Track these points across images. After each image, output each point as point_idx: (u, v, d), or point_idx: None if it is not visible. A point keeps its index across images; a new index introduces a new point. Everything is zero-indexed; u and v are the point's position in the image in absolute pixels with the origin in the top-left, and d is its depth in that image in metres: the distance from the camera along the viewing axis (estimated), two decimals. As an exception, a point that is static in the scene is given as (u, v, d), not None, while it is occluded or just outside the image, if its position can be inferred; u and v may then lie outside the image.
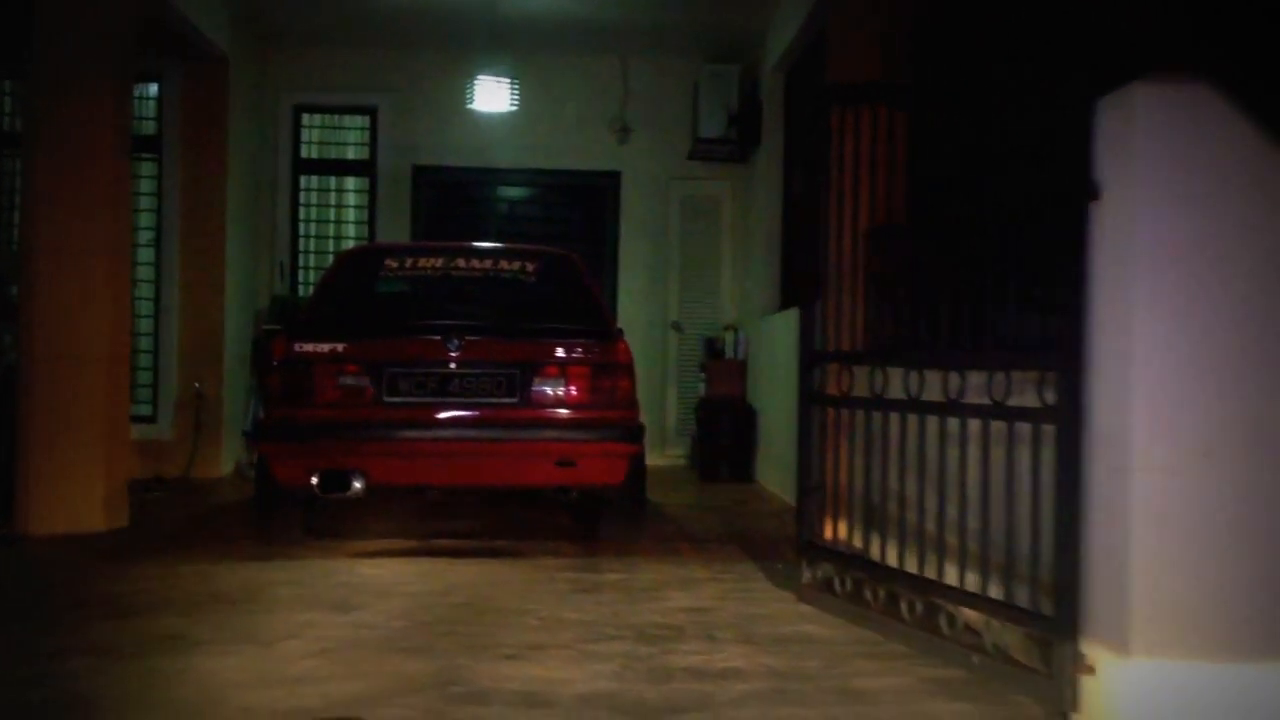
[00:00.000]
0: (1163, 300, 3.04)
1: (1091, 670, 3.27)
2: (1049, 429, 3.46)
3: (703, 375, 10.37)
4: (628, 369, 6.08)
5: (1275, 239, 3.02)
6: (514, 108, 9.93)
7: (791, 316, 7.28)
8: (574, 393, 5.95)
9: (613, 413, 5.98)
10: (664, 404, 11.00)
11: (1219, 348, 3.02)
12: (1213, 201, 3.02)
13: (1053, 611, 3.43)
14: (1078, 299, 3.30)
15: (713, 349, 10.53)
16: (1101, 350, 3.24)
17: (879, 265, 5.05)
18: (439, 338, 6.01)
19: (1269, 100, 2.99)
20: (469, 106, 9.91)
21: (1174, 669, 3.06)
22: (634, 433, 6.05)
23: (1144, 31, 3.33)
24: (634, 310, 10.83)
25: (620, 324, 9.51)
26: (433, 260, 6.97)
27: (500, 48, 9.68)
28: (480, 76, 9.62)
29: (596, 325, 6.31)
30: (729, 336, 10.53)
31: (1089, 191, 3.25)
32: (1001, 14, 4.79)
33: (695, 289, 11.12)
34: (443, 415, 5.93)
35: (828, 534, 5.12)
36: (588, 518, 6.86)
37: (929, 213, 5.30)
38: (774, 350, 8.86)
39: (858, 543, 4.89)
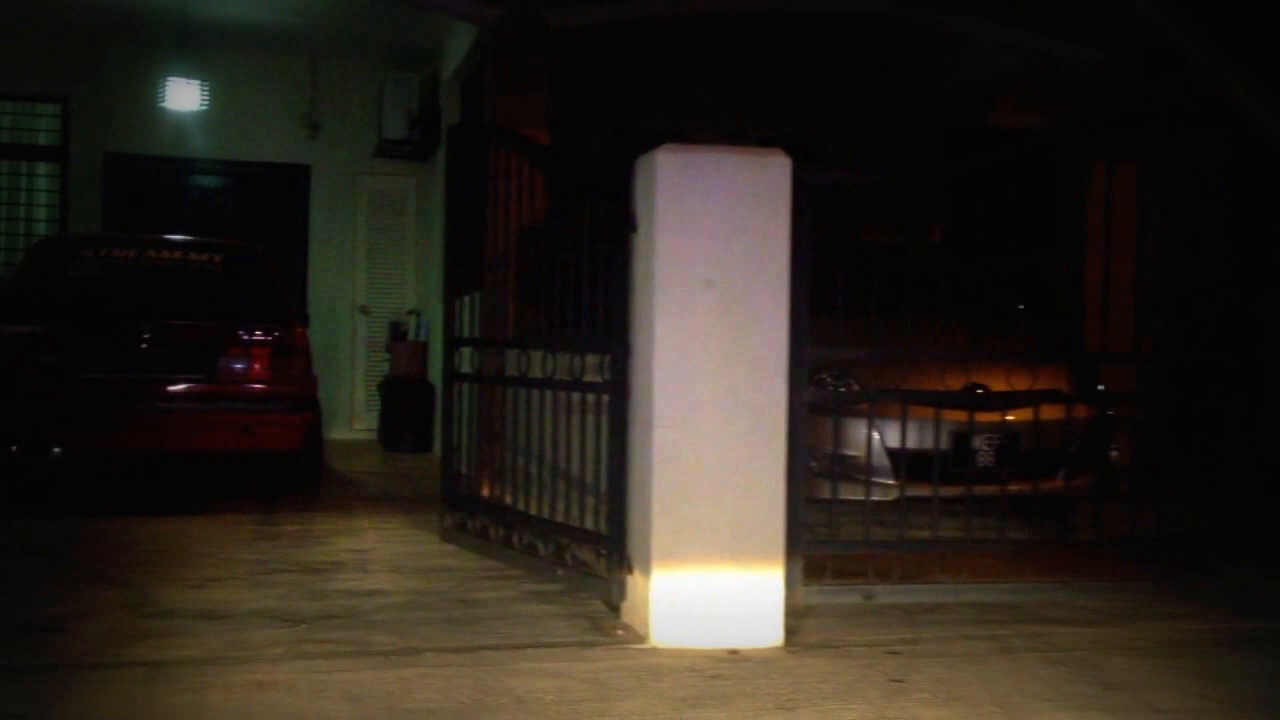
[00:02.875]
0: (670, 303, 4.26)
1: (630, 570, 4.51)
2: (607, 398, 4.68)
3: (388, 356, 11.35)
4: (303, 350, 7.07)
5: (735, 257, 4.29)
6: (204, 107, 10.60)
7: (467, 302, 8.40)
8: (255, 369, 6.88)
9: (289, 388, 6.95)
10: (352, 382, 11.91)
11: (706, 339, 4.27)
12: (699, 233, 4.25)
13: (607, 531, 4.66)
14: (622, 302, 4.53)
15: (397, 331, 11.52)
16: (637, 340, 4.47)
17: (523, 267, 6.22)
18: (134, 319, 6.82)
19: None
20: (161, 105, 10.51)
21: (680, 565, 4.31)
22: (308, 404, 7.06)
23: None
24: (324, 294, 11.67)
25: (311, 307, 10.42)
26: (127, 250, 7.73)
27: (191, 48, 10.33)
28: (171, 77, 10.26)
29: (276, 311, 7.27)
30: (412, 320, 11.55)
31: (629, 225, 4.48)
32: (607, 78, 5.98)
33: (382, 276, 12.06)
34: (137, 389, 6.75)
35: (485, 489, 6.23)
36: (271, 480, 7.73)
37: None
38: (448, 333, 9.93)
39: (493, 492, 6.04)
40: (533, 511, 5.39)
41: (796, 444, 4.45)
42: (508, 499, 5.75)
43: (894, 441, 5.73)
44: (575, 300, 4.97)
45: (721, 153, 4.33)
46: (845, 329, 4.75)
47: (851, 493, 5.32)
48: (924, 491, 5.14)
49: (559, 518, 5.17)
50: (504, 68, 7.79)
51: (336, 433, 10.94)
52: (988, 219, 8.23)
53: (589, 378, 4.87)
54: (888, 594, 4.76)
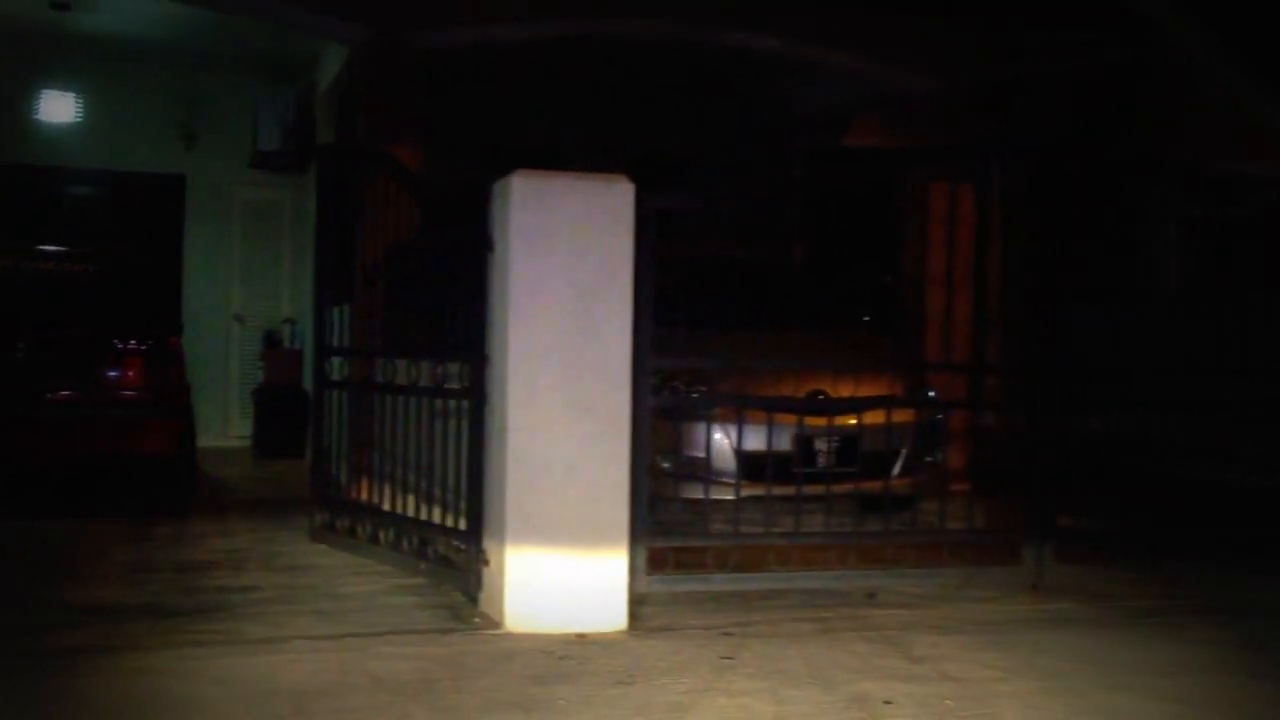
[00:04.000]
0: (523, 317, 4.64)
1: (487, 563, 4.88)
2: (466, 404, 5.05)
3: (262, 364, 11.52)
4: (177, 358, 7.30)
5: (583, 275, 4.68)
6: (79, 118, 10.68)
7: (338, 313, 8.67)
8: (129, 377, 7.09)
9: (163, 395, 7.17)
10: (227, 390, 12.01)
11: (557, 348, 4.66)
12: (550, 252, 4.65)
13: (466, 527, 5.02)
14: (480, 315, 4.90)
15: (272, 340, 11.69)
16: (493, 350, 4.84)
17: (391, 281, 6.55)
18: (9, 329, 6.99)
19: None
20: (35, 116, 10.57)
21: (533, 557, 4.69)
22: (183, 411, 7.29)
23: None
24: (199, 303, 11.74)
25: (186, 316, 10.52)
26: (1, 260, 7.84)
27: (66, 60, 10.41)
28: (45, 89, 10.34)
29: (151, 319, 7.48)
30: (287, 329, 11.73)
31: (486, 244, 4.85)
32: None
33: (257, 284, 12.19)
34: (17, 398, 6.91)
35: (353, 491, 6.54)
36: (147, 485, 7.91)
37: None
38: (322, 342, 10.15)
39: (362, 493, 6.35)
40: (397, 510, 5.72)
41: (640, 446, 4.86)
42: (374, 499, 6.07)
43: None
44: (438, 313, 5.33)
45: (571, 179, 4.74)
46: (693, 339, 5.17)
47: (699, 492, 5.72)
48: (770, 491, 5.56)
49: (422, 516, 5.52)
50: (374, 87, 8.11)
51: (212, 440, 11.06)
52: (839, 237, 8.79)
53: (450, 385, 5.23)
54: (726, 582, 5.16)
